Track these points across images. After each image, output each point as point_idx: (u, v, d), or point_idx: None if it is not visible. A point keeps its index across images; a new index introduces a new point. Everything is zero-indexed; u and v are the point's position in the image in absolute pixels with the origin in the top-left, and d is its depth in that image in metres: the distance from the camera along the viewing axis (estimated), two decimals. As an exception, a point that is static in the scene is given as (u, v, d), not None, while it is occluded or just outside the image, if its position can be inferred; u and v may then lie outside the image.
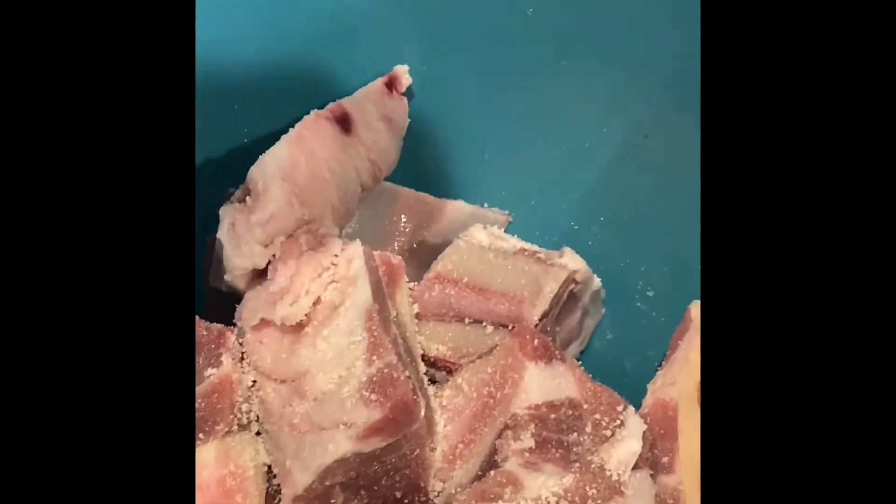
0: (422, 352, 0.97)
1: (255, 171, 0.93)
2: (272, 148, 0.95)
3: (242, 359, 0.91)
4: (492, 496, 0.82)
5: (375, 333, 0.86)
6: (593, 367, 1.11)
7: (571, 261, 0.99)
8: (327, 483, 0.85)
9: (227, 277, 0.94)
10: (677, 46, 1.02)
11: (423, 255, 1.10)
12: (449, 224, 1.10)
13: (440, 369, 0.98)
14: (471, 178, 1.15)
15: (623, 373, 1.11)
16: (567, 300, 1.01)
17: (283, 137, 0.95)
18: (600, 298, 1.09)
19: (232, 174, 1.10)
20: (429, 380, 0.96)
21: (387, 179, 1.08)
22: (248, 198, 0.93)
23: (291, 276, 0.90)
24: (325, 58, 1.08)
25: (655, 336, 1.08)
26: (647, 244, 1.09)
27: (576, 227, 1.13)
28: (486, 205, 1.14)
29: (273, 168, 0.93)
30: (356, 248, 0.91)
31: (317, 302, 0.89)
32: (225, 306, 1.04)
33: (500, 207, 1.14)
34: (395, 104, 1.07)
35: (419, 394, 0.86)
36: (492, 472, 0.84)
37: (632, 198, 1.10)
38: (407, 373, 0.85)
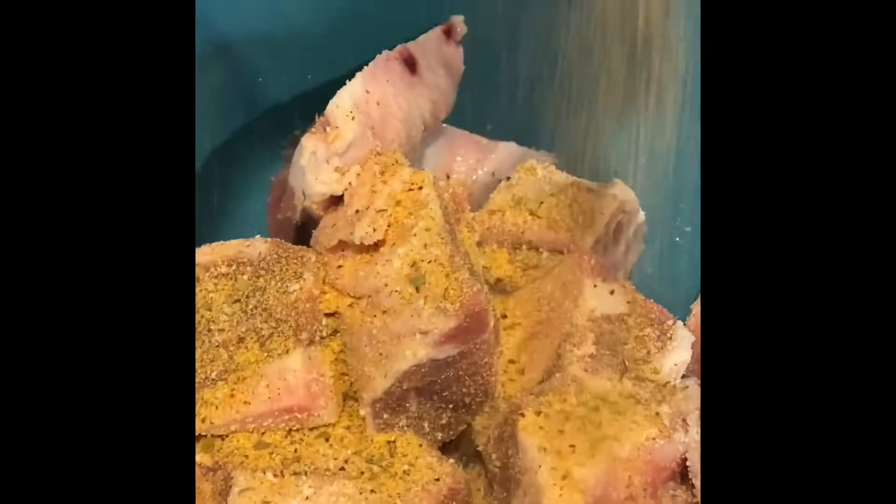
0: (484, 276, 1.05)
1: (334, 104, 1.00)
2: (348, 84, 1.02)
3: (322, 280, 0.98)
4: (559, 394, 0.89)
5: (447, 251, 0.94)
6: (636, 297, 1.19)
7: (622, 192, 1.07)
8: (404, 387, 0.92)
9: (305, 203, 1.02)
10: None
11: (477, 192, 1.17)
12: (501, 163, 1.18)
13: (500, 292, 1.06)
14: (520, 122, 1.23)
15: (663, 304, 1.19)
16: (615, 231, 1.09)
17: (358, 74, 1.03)
18: (642, 233, 1.17)
19: (301, 116, 1.18)
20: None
21: (444, 121, 1.16)
22: (327, 128, 1.00)
23: (367, 200, 0.98)
24: (389, 9, 1.16)
25: (693, 270, 1.16)
26: (684, 182, 1.17)
27: (618, 170, 1.21)
28: (533, 147, 1.22)
29: (350, 102, 1.00)
30: (426, 176, 0.99)
31: (391, 224, 0.97)
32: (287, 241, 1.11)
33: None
34: (453, 51, 1.14)
35: (488, 305, 0.94)
36: (557, 375, 0.92)
37: (671, 138, 1.18)
38: (478, 285, 0.93)
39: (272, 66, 1.18)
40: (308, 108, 1.15)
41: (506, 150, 1.18)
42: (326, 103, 1.04)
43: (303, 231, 1.09)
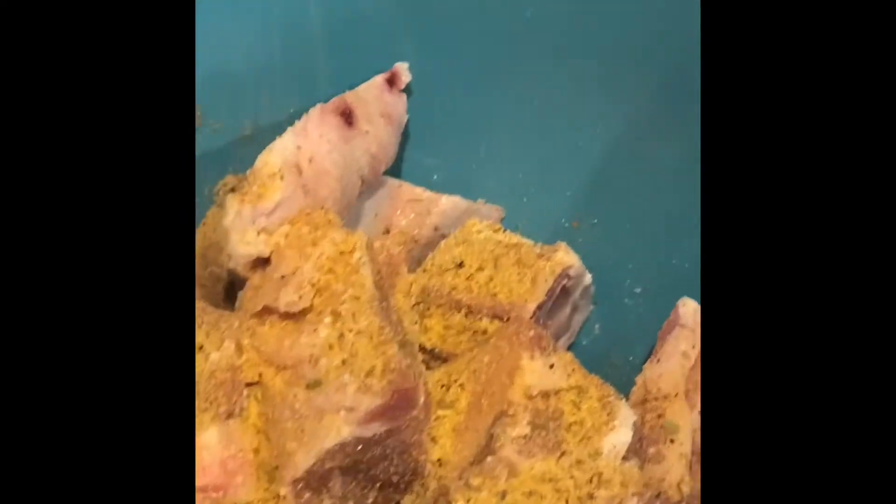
0: (418, 341, 1.00)
1: (261, 161, 0.95)
2: (279, 138, 0.97)
3: (242, 345, 0.93)
4: (489, 480, 0.84)
5: (377, 321, 0.88)
6: (581, 361, 1.14)
7: (566, 256, 1.02)
8: (327, 466, 0.87)
9: (230, 265, 0.96)
10: (674, 46, 1.05)
11: (418, 249, 1.12)
12: (444, 218, 1.13)
13: (435, 358, 1.01)
14: (466, 174, 1.18)
15: (610, 366, 1.14)
16: (559, 295, 1.04)
17: (289, 129, 0.98)
18: (590, 294, 1.12)
19: (233, 162, 1.13)
20: (425, 367, 0.98)
21: (386, 173, 1.11)
22: (253, 187, 0.95)
23: (295, 264, 0.93)
24: (327, 54, 1.11)
25: (642, 332, 1.12)
26: (637, 242, 1.12)
27: (566, 225, 1.16)
28: (480, 200, 1.17)
29: (280, 158, 0.95)
30: (359, 238, 0.94)
31: (320, 290, 0.92)
32: (217, 294, 1.06)
33: (493, 203, 1.18)
34: (395, 100, 1.09)
35: (419, 381, 0.89)
36: (488, 458, 0.86)
37: (623, 196, 1.13)
38: (408, 360, 0.88)
39: (209, 104, 1.12)
40: (244, 151, 1.10)
41: (450, 203, 1.13)
42: (265, 144, 0.99)
43: (232, 287, 1.04)
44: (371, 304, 0.89)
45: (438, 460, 0.92)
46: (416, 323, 1.00)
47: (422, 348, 1.00)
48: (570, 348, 1.16)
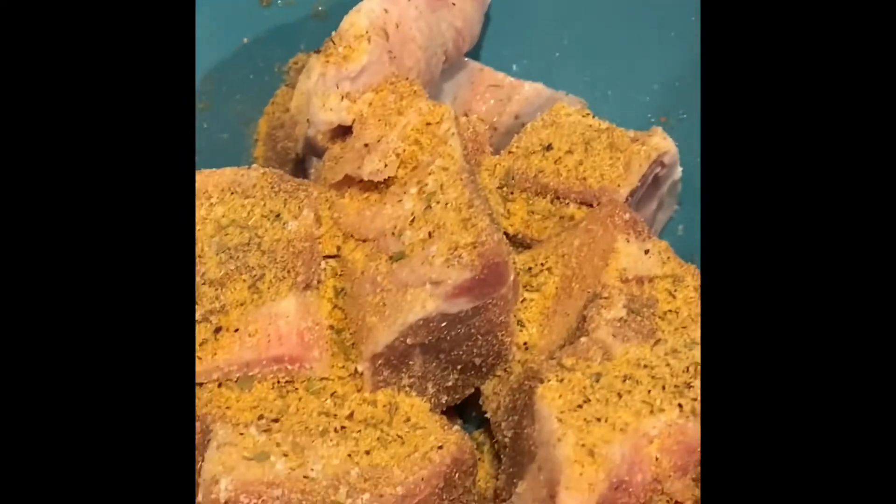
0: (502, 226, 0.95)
1: (347, 21, 0.90)
2: (365, 0, 0.91)
3: (321, 216, 0.88)
4: (582, 361, 0.80)
5: (467, 193, 0.83)
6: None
7: (662, 141, 0.96)
8: (408, 342, 0.82)
9: (309, 132, 0.91)
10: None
11: (497, 137, 1.07)
12: (526, 106, 1.07)
13: (518, 245, 0.96)
14: (547, 64, 1.12)
15: (693, 268, 1.09)
16: (649, 185, 0.99)
17: (377, -10, 0.92)
18: (677, 191, 1.06)
19: (304, 40, 1.08)
20: (508, 253, 0.93)
21: (466, 56, 1.06)
22: (339, 48, 0.89)
23: (379, 132, 0.88)
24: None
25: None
26: (727, 140, 1.06)
27: (652, 120, 1.10)
28: (562, 92, 1.11)
29: (366, 21, 0.90)
30: (446, 109, 0.88)
31: (405, 160, 0.87)
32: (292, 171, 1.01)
33: (575, 95, 1.12)
34: (484, -25, 1.03)
35: (509, 257, 0.84)
36: (582, 339, 0.82)
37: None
38: (500, 234, 0.83)
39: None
40: (317, 28, 1.05)
41: (532, 91, 1.07)
42: (338, 23, 0.93)
43: (302, 166, 0.99)
44: (460, 176, 0.84)
45: (525, 344, 0.87)
46: (499, 206, 0.95)
47: (505, 233, 0.95)
48: (651, 248, 1.10)
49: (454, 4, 0.98)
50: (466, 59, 1.06)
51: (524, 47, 1.13)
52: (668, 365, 0.81)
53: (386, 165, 0.86)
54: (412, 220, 0.84)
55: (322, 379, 0.84)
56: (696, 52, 1.07)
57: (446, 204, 0.83)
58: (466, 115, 1.06)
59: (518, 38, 1.13)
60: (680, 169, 1.02)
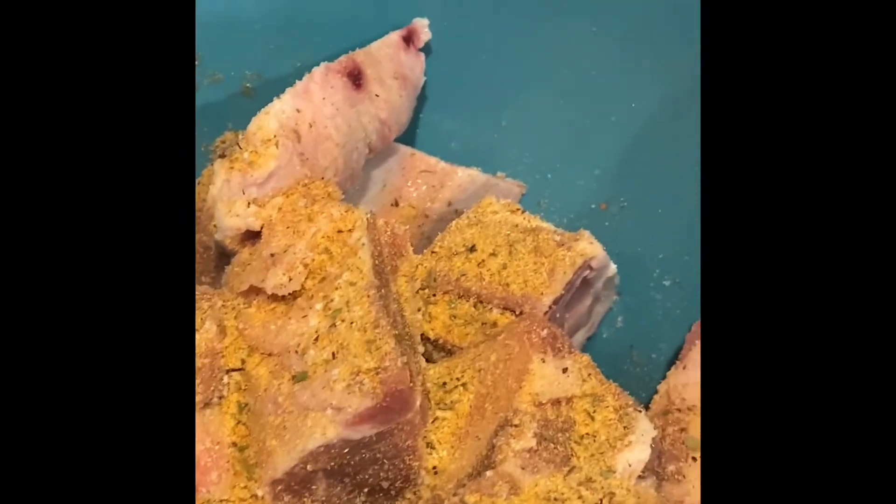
0: (421, 330, 0.90)
1: (255, 125, 0.86)
2: (276, 100, 0.87)
3: (225, 327, 0.84)
4: (486, 497, 0.76)
5: (373, 312, 0.79)
6: (600, 356, 1.04)
7: (589, 246, 0.92)
8: (309, 468, 0.79)
9: (217, 237, 0.87)
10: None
11: (429, 225, 1.03)
12: (460, 192, 1.03)
13: (439, 350, 0.92)
14: (486, 144, 1.08)
15: (632, 363, 1.05)
16: (579, 286, 0.95)
17: (289, 90, 0.88)
18: (614, 284, 1.02)
19: (232, 118, 1.04)
20: (426, 359, 0.89)
21: (399, 137, 1.01)
22: (245, 153, 0.85)
23: (288, 241, 0.84)
24: (340, 5, 1.00)
25: (669, 328, 1.02)
26: (669, 230, 1.02)
27: (592, 206, 1.06)
28: (500, 174, 1.07)
29: (276, 122, 0.85)
30: (359, 216, 0.84)
31: (312, 272, 0.83)
32: (207, 262, 0.98)
33: (514, 178, 1.08)
34: (412, 61, 0.99)
35: (416, 381, 0.80)
36: (488, 473, 0.78)
37: (656, 179, 1.03)
38: (405, 358, 0.79)
39: (205, 56, 1.02)
40: (245, 106, 1.01)
41: (466, 177, 1.03)
42: (267, 101, 0.89)
43: (224, 256, 0.95)
44: (367, 292, 0.80)
45: (434, 468, 0.83)
46: (419, 310, 0.91)
47: (424, 338, 0.91)
48: (589, 340, 1.06)
49: (378, 96, 0.94)
50: (397, 144, 1.02)
51: (464, 125, 1.08)
52: (580, 497, 0.77)
53: (290, 279, 0.82)
54: (316, 339, 0.80)
55: (221, 501, 0.81)
56: (636, 137, 1.04)
57: (351, 323, 0.79)
58: (397, 203, 1.03)
59: (457, 115, 1.08)
60: (613, 266, 0.98)
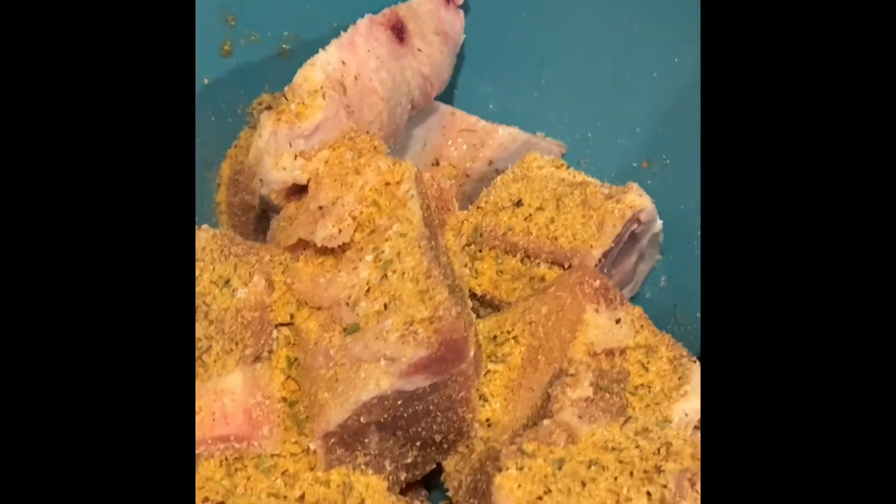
0: (468, 286, 0.90)
1: (301, 76, 0.85)
2: (321, 52, 0.86)
3: (273, 282, 0.83)
4: (544, 446, 0.75)
5: (425, 263, 0.78)
6: (644, 315, 1.04)
7: (638, 198, 0.91)
8: (362, 420, 0.78)
9: (262, 191, 0.86)
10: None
11: (470, 184, 1.02)
12: (500, 151, 1.02)
13: (486, 306, 0.91)
14: (524, 105, 1.07)
15: (676, 323, 1.04)
16: (626, 242, 0.94)
17: (334, 41, 0.87)
18: (658, 242, 1.01)
19: (269, 79, 1.03)
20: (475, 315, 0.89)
21: (437, 98, 1.00)
22: (291, 105, 0.84)
23: (335, 193, 0.83)
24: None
25: (713, 287, 1.01)
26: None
27: (634, 165, 1.05)
28: (540, 134, 1.06)
29: (322, 74, 0.85)
30: (407, 168, 0.83)
31: (362, 224, 0.82)
32: (246, 224, 0.97)
33: (553, 138, 1.07)
34: (452, 17, 0.98)
35: (469, 331, 0.79)
36: (545, 422, 0.77)
37: (698, 136, 1.02)
38: (458, 308, 0.78)
39: (242, 16, 1.01)
40: (282, 68, 1.00)
41: (507, 135, 1.02)
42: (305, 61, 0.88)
43: (264, 217, 0.94)
44: (419, 243, 0.79)
45: (487, 420, 0.82)
46: (466, 266, 0.90)
47: (472, 294, 0.90)
48: (632, 300, 1.05)
49: (420, 51, 0.93)
50: (437, 102, 1.01)
51: (501, 86, 1.08)
52: (637, 447, 0.76)
53: (340, 231, 0.81)
54: (367, 291, 0.79)
55: (273, 456, 0.80)
56: (678, 94, 1.02)
57: (403, 274, 0.79)
58: (439, 163, 1.02)
59: (495, 76, 1.07)
60: (660, 222, 0.97)
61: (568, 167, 0.97)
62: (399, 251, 0.79)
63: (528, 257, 0.90)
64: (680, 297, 1.04)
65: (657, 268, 1.05)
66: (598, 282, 0.83)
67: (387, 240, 0.80)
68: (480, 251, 0.91)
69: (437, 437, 0.81)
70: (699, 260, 1.03)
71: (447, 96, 1.05)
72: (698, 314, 1.03)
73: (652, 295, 1.05)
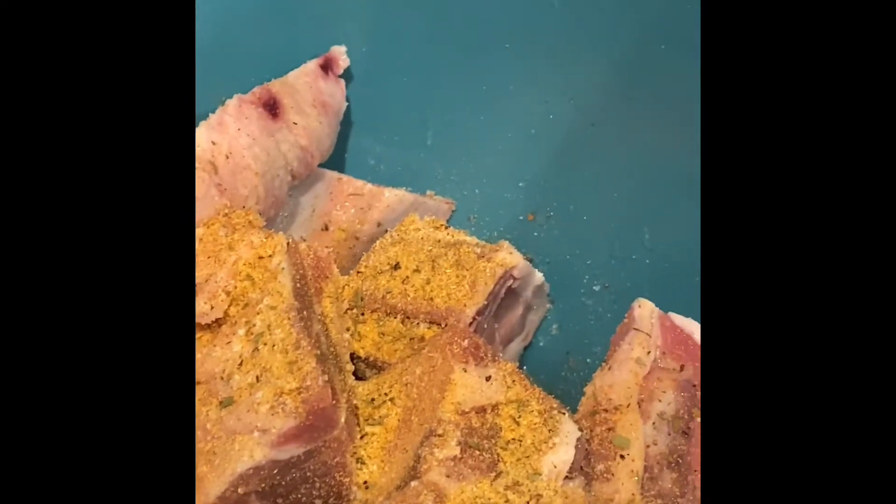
0: (350, 349, 0.92)
1: (170, 159, 0.87)
2: (190, 134, 0.89)
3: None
4: (412, 508, 0.77)
5: (294, 334, 0.81)
6: (538, 363, 1.07)
7: (508, 256, 0.94)
8: (240, 491, 0.80)
9: (142, 271, 0.89)
10: (627, 32, 0.97)
11: (361, 245, 1.05)
12: (389, 213, 1.05)
13: (371, 367, 0.94)
14: (413, 165, 1.10)
15: (569, 369, 1.07)
16: (506, 296, 0.97)
17: (202, 123, 0.90)
18: (545, 292, 1.04)
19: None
20: (356, 377, 0.91)
21: (323, 166, 1.04)
22: (162, 187, 0.87)
23: (209, 270, 0.85)
24: (257, 36, 1.03)
25: (601, 332, 1.04)
26: (594, 237, 1.04)
27: (521, 218, 1.08)
28: (429, 192, 1.09)
29: (190, 156, 0.87)
30: (278, 241, 0.86)
31: (235, 299, 0.85)
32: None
33: (443, 196, 1.10)
34: (332, 87, 1.02)
35: (339, 398, 0.82)
36: (413, 483, 0.79)
37: (579, 188, 1.05)
38: (326, 377, 0.80)
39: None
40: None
41: (394, 197, 1.05)
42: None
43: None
44: (288, 315, 0.82)
45: (365, 483, 0.85)
46: (348, 330, 0.93)
47: (356, 357, 0.93)
48: (526, 349, 1.08)
49: (296, 124, 0.96)
50: (323, 169, 1.04)
51: (390, 147, 1.11)
52: (507, 501, 0.79)
53: (212, 308, 0.83)
54: (240, 364, 0.82)
55: (159, 530, 0.82)
56: (556, 149, 1.06)
57: (273, 346, 0.81)
58: (327, 228, 1.04)
59: (383, 138, 1.11)
60: (539, 274, 1.00)
61: (446, 227, 1.00)
62: (269, 324, 0.82)
63: (408, 318, 0.93)
64: (571, 344, 1.07)
65: (548, 317, 1.08)
66: (466, 341, 0.85)
67: (258, 313, 0.83)
68: (363, 314, 0.94)
69: (318, 503, 0.84)
70: (586, 307, 1.06)
71: (337, 160, 1.08)
72: (588, 359, 1.06)
73: (545, 343, 1.08)
